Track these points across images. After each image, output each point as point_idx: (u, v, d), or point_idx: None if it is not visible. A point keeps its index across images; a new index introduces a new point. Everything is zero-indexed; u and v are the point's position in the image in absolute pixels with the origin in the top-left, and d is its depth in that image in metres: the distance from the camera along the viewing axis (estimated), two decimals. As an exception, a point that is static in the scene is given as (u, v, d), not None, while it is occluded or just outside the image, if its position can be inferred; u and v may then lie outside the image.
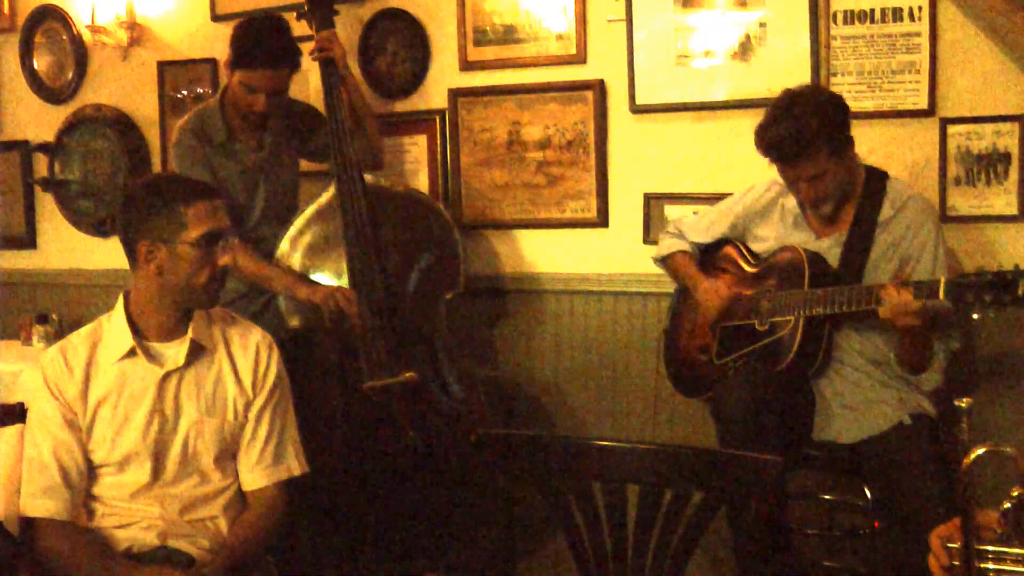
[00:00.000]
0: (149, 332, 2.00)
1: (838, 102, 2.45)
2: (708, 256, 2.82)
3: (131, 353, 1.97)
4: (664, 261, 2.87)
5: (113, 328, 2.00)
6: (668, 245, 2.85)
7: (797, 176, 2.41)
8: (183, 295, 1.97)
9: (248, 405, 2.05)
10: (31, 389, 1.98)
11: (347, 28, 3.53)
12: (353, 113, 3.06)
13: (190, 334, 2.00)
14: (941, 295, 2.15)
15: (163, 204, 1.92)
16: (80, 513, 1.96)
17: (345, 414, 2.91)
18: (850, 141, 2.43)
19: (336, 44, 3.02)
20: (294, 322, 2.97)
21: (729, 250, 2.77)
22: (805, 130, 2.33)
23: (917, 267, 2.41)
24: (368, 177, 3.00)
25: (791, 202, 2.61)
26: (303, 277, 2.92)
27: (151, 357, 1.98)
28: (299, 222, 3.01)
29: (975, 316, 2.17)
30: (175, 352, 2.00)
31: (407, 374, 2.85)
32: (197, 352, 2.01)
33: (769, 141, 2.39)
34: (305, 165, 3.24)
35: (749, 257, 2.70)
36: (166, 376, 1.98)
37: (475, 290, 3.38)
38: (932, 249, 2.44)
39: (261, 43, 2.83)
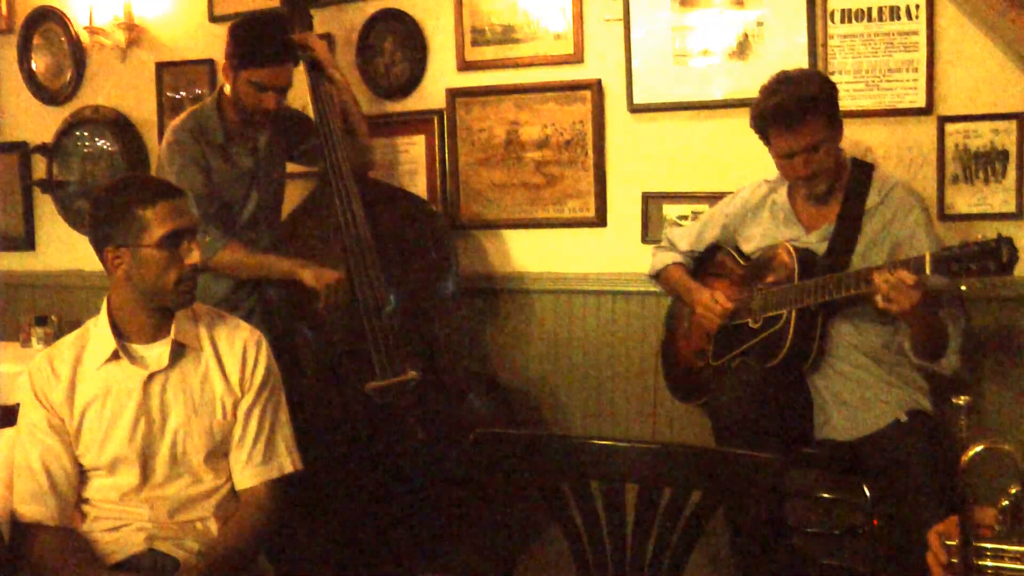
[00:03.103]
0: (132, 334, 2.00)
1: (828, 78, 2.52)
2: (700, 264, 2.83)
3: (115, 356, 1.96)
4: (658, 276, 2.88)
5: (98, 332, 1.99)
6: (660, 259, 2.86)
7: (796, 147, 2.41)
8: (155, 297, 1.95)
9: (237, 403, 2.04)
10: (22, 395, 1.99)
11: (345, 28, 3.53)
12: (344, 114, 3.05)
13: (172, 334, 1.99)
14: (928, 269, 2.15)
15: (123, 208, 1.90)
16: (72, 517, 1.96)
17: (344, 414, 2.91)
18: (841, 123, 2.45)
19: (317, 44, 3.01)
20: (281, 326, 2.97)
21: (721, 256, 2.78)
22: (805, 94, 2.37)
23: (910, 252, 2.42)
24: (372, 180, 3.00)
25: (781, 197, 2.62)
26: (302, 260, 2.89)
27: (134, 359, 1.98)
28: (293, 218, 3.02)
29: (963, 288, 2.18)
30: (158, 353, 1.99)
31: (410, 373, 2.85)
32: (181, 352, 2.01)
33: (771, 108, 2.41)
34: (292, 167, 3.23)
35: (740, 259, 2.71)
36: (151, 378, 1.97)
37: (474, 290, 3.38)
38: (923, 233, 2.45)
39: (267, 40, 2.82)
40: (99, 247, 1.95)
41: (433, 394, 2.93)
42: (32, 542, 1.90)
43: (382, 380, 2.83)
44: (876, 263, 2.40)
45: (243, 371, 2.05)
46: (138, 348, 2.00)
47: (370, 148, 3.20)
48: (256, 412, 2.05)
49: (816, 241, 2.53)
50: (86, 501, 1.99)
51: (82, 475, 1.98)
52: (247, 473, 2.04)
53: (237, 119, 2.94)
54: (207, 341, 2.05)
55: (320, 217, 2.98)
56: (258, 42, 2.81)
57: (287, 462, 2.08)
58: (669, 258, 2.83)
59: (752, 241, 2.68)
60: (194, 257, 1.94)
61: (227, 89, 2.92)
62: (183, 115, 2.97)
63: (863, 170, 2.54)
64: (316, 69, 3.00)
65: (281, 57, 2.83)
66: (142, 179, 2.13)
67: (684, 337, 2.83)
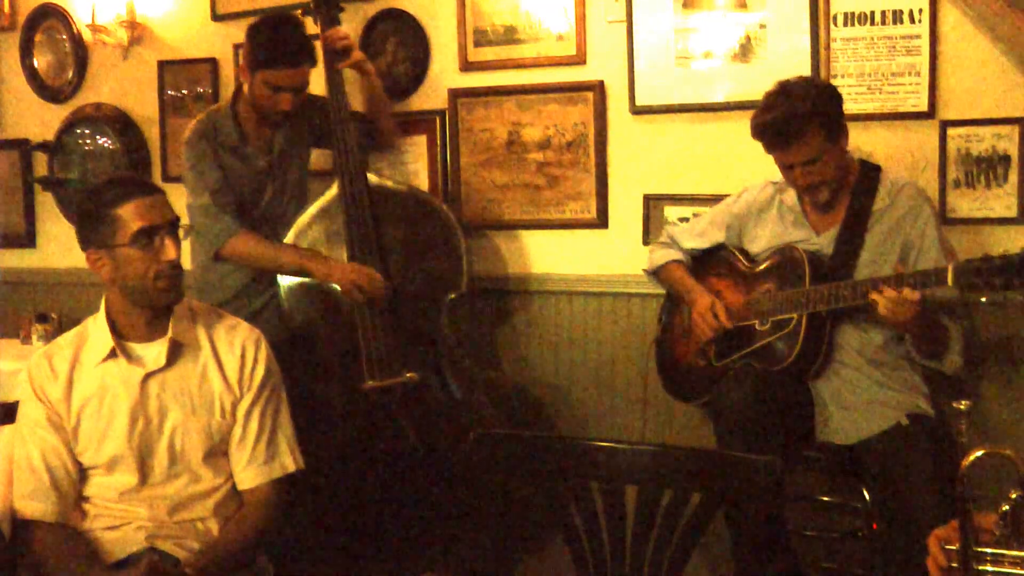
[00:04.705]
0: (129, 333, 2.00)
1: (830, 88, 2.50)
2: (702, 261, 2.82)
3: (112, 354, 1.97)
4: (656, 273, 2.87)
5: (96, 330, 2.00)
6: (660, 256, 2.85)
7: (792, 161, 2.42)
8: (140, 295, 1.95)
9: (236, 404, 2.04)
10: (21, 391, 1.99)
11: (347, 28, 3.52)
12: (375, 102, 3.07)
13: (170, 333, 1.99)
14: (950, 282, 2.15)
15: (98, 211, 1.92)
16: (72, 514, 1.96)
17: (345, 414, 2.91)
18: (844, 128, 2.45)
19: (357, 50, 3.04)
20: (295, 321, 2.97)
21: (725, 255, 2.77)
22: (798, 110, 2.36)
23: (920, 253, 2.43)
24: (373, 178, 3.00)
25: (790, 199, 2.62)
26: (315, 253, 2.90)
27: (132, 358, 1.98)
28: (304, 220, 3.01)
29: (983, 300, 2.17)
30: (156, 352, 1.99)
31: (408, 374, 2.84)
32: (179, 351, 2.01)
33: (763, 124, 2.42)
34: (315, 164, 3.24)
35: (745, 260, 2.70)
36: (148, 377, 1.98)
37: (474, 290, 3.38)
38: (933, 233, 2.45)
39: (283, 42, 2.82)
40: (84, 251, 1.97)
41: (432, 395, 2.92)
42: (32, 539, 1.90)
43: (380, 380, 2.82)
44: (887, 265, 2.40)
45: (242, 371, 2.05)
46: (136, 347, 2.00)
47: (394, 136, 3.23)
48: (256, 412, 2.05)
49: (826, 243, 2.53)
50: (86, 500, 1.99)
51: (82, 473, 1.98)
52: (249, 473, 2.04)
53: (253, 119, 2.96)
54: (205, 340, 2.05)
55: (333, 221, 2.98)
56: (274, 44, 2.82)
57: (289, 461, 2.08)
58: (670, 255, 2.83)
59: (759, 242, 2.67)
60: (170, 253, 1.93)
61: (245, 89, 2.94)
62: (199, 116, 3.00)
63: (871, 172, 2.53)
64: (337, 60, 2.98)
65: (297, 59, 2.83)
66: (116, 180, 2.12)
67: (683, 336, 2.81)
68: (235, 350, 2.06)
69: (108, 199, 1.92)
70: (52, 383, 1.96)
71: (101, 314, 2.00)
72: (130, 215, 1.90)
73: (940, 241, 2.45)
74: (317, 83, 3.03)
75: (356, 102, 3.16)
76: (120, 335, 1.99)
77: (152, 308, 1.99)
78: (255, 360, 2.07)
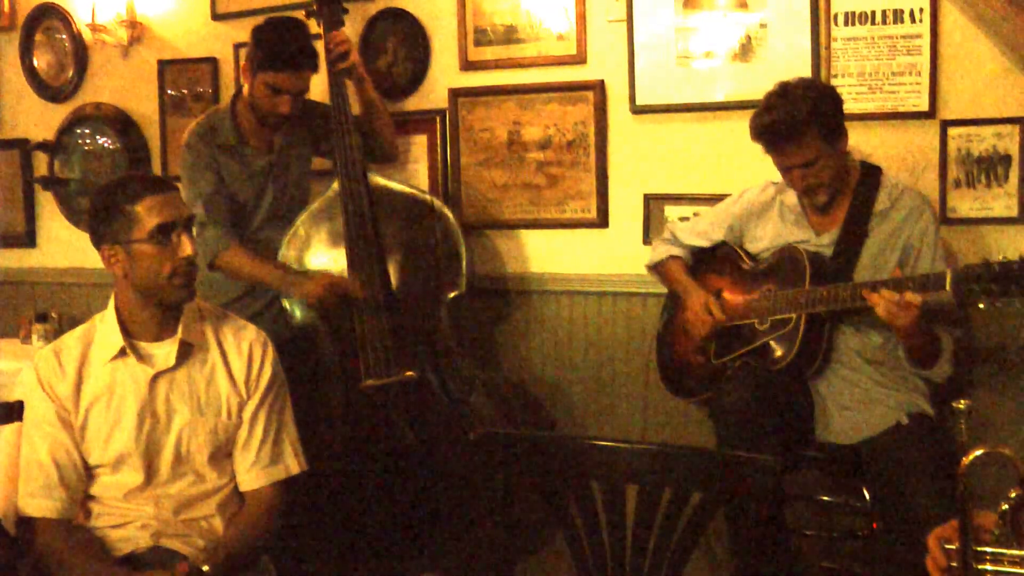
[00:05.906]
0: (139, 332, 2.00)
1: (830, 91, 2.49)
2: (703, 259, 2.82)
3: (122, 353, 1.97)
4: (656, 268, 2.87)
5: (105, 328, 2.00)
6: (661, 252, 2.85)
7: (790, 163, 2.43)
8: (154, 292, 1.96)
9: (242, 405, 2.04)
10: (27, 388, 1.99)
11: (347, 28, 3.52)
12: (370, 110, 3.05)
13: (180, 334, 1.99)
14: (948, 287, 2.14)
15: (113, 206, 1.92)
16: (77, 512, 1.96)
17: (344, 413, 2.91)
18: (843, 131, 2.45)
19: (354, 49, 3.03)
20: (297, 321, 2.97)
21: (725, 252, 2.77)
22: (796, 114, 2.36)
23: (919, 256, 2.43)
24: (374, 177, 3.00)
25: (791, 199, 2.62)
26: (299, 275, 2.90)
27: (141, 357, 1.98)
28: (303, 218, 3.02)
29: (981, 306, 2.17)
30: (165, 352, 1.99)
31: (407, 373, 2.85)
32: (188, 352, 2.01)
33: (761, 126, 2.42)
34: (315, 163, 3.24)
35: (746, 259, 2.71)
36: (157, 376, 1.98)
37: (474, 290, 3.38)
38: (932, 237, 2.46)
39: (288, 44, 2.83)
40: (97, 247, 1.97)
41: (430, 395, 2.92)
42: (40, 537, 1.90)
43: (378, 378, 2.82)
44: (887, 267, 2.40)
45: (249, 372, 2.05)
46: (145, 346, 2.00)
47: (394, 142, 3.19)
48: (262, 414, 2.05)
49: (827, 244, 2.53)
50: (92, 498, 1.99)
51: (88, 472, 1.98)
52: (253, 474, 2.04)
53: (252, 119, 2.96)
54: (213, 341, 2.05)
55: (333, 220, 2.98)
56: (278, 46, 2.83)
57: (293, 464, 2.09)
58: (670, 251, 2.83)
59: (760, 242, 2.67)
60: (186, 249, 1.93)
61: (245, 90, 2.95)
62: (199, 118, 3.01)
63: (872, 173, 2.54)
64: (341, 70, 2.98)
65: (299, 63, 2.84)
66: (132, 176, 2.14)
67: (683, 332, 2.81)
68: (243, 352, 2.06)
69: (124, 195, 1.92)
70: (60, 380, 1.96)
71: (110, 312, 2.00)
72: (147, 211, 1.91)
73: (936, 245, 2.45)
74: (320, 84, 3.03)
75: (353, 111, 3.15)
76: (129, 334, 1.99)
77: (164, 306, 1.99)
78: (262, 362, 2.08)
